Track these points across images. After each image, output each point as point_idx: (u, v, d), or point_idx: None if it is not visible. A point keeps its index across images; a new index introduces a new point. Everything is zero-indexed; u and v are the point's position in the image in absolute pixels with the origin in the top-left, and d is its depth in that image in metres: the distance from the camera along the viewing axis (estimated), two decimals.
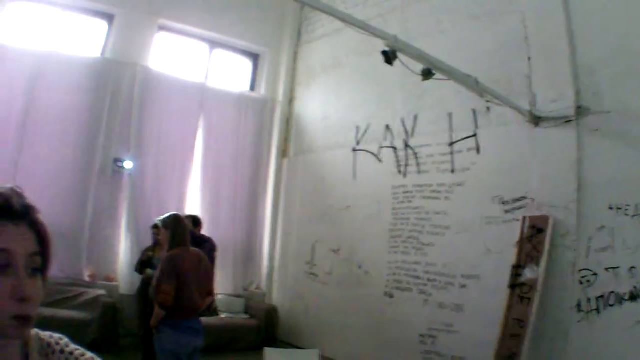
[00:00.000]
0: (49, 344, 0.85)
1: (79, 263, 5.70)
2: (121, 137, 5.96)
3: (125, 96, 5.96)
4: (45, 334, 0.87)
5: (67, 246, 5.53)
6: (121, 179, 6.00)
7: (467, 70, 3.67)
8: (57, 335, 0.89)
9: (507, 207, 4.11)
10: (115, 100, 5.90)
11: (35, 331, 0.84)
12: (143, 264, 4.71)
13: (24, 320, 0.71)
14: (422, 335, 4.53)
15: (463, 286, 4.33)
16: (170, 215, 3.32)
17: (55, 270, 5.26)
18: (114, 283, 5.85)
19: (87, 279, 5.71)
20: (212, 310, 5.43)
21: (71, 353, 0.86)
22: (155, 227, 4.65)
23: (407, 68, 3.39)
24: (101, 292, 5.56)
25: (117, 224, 5.98)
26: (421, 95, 4.73)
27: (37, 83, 5.50)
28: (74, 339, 0.92)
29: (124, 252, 5.93)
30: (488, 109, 4.31)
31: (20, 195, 0.75)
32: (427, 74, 3.37)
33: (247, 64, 7.23)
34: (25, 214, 0.74)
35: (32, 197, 0.77)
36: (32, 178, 5.30)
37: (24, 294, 0.70)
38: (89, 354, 0.88)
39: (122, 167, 5.96)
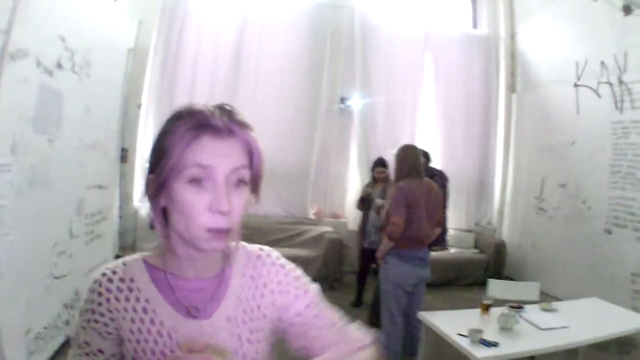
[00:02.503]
0: (258, 256, 0.88)
1: (304, 202, 5.88)
2: (346, 78, 6.03)
3: (346, 38, 6.01)
4: (254, 247, 0.90)
5: (292, 186, 5.77)
6: (349, 117, 6.08)
7: None
8: (267, 248, 0.91)
9: None
10: (336, 43, 5.97)
11: (242, 244, 0.87)
12: (363, 201, 4.58)
13: (218, 233, 0.72)
14: (633, 274, 4.49)
15: None
16: (403, 146, 3.29)
17: (279, 210, 5.78)
18: (341, 220, 5.92)
19: (312, 216, 5.85)
20: (442, 244, 5.38)
21: (282, 266, 0.88)
22: (378, 165, 4.58)
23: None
24: (327, 229, 5.58)
25: (346, 161, 6.10)
26: (628, 32, 4.56)
27: (246, 31, 5.62)
28: None
29: (353, 188, 5.98)
30: None
31: (227, 112, 0.75)
32: (627, 10, 3.65)
33: (465, 1, 6.89)
34: (230, 130, 0.73)
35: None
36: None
37: (220, 207, 0.70)
38: (300, 272, 0.91)
39: (350, 106, 6.03)
